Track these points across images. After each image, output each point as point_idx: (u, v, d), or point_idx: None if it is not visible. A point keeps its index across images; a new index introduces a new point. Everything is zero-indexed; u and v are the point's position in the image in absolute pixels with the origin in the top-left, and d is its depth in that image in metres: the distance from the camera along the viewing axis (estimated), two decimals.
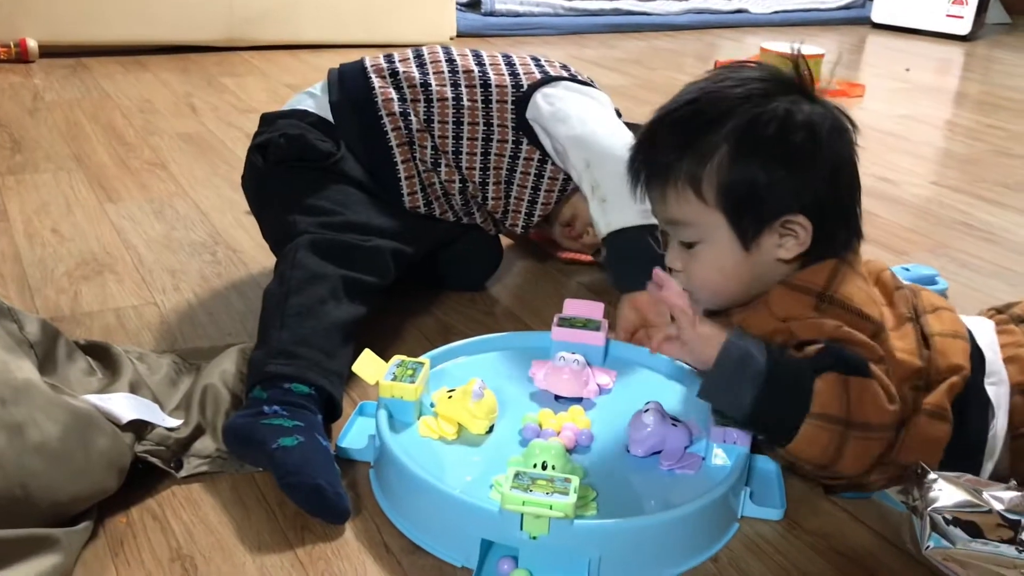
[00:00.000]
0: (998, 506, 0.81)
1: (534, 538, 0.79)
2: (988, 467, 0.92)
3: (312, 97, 1.30)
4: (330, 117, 1.26)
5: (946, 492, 0.83)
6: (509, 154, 1.27)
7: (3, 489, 0.74)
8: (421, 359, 1.00)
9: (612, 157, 1.16)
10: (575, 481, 0.80)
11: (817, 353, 0.86)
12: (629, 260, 1.16)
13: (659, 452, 0.92)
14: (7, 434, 0.76)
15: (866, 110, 2.68)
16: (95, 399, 0.89)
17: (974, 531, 0.81)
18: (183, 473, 0.92)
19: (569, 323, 1.09)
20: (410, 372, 0.96)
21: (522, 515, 0.78)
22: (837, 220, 0.90)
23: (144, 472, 0.91)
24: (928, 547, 0.82)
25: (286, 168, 1.21)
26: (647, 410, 0.93)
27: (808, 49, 2.90)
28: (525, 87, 1.27)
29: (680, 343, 0.87)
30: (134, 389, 0.97)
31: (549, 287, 1.42)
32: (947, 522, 0.82)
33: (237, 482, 0.93)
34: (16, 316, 0.94)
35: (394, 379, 0.95)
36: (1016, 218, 1.84)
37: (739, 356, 0.84)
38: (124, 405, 0.91)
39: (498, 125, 1.26)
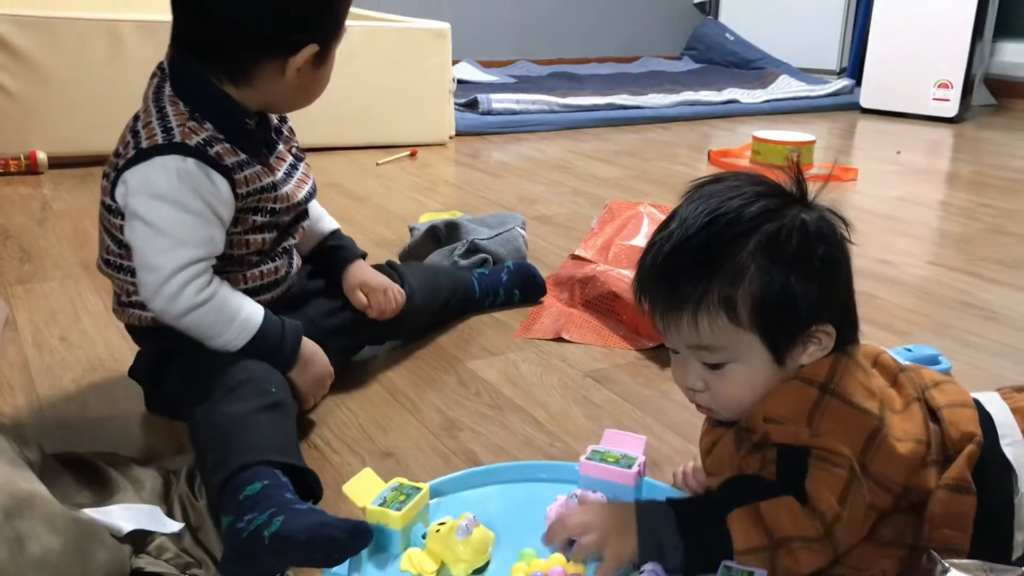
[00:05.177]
0: None
1: None
2: (1019, 538, 0.89)
3: None
4: None
5: None
6: None
7: None
8: (419, 484, 0.94)
9: None
10: None
11: (719, 489, 0.91)
12: None
13: None
14: (8, 548, 0.76)
15: (860, 193, 2.73)
16: (93, 512, 0.89)
17: None
18: None
19: (601, 457, 1.01)
20: (402, 498, 0.90)
21: None
22: (848, 320, 0.92)
23: None
24: None
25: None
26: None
27: (799, 136, 2.99)
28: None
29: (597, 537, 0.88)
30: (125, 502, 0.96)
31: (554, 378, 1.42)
32: None
33: None
34: (15, 435, 0.94)
35: (383, 504, 0.90)
36: (1015, 295, 1.85)
37: (654, 533, 0.87)
38: (123, 516, 0.90)
39: None
